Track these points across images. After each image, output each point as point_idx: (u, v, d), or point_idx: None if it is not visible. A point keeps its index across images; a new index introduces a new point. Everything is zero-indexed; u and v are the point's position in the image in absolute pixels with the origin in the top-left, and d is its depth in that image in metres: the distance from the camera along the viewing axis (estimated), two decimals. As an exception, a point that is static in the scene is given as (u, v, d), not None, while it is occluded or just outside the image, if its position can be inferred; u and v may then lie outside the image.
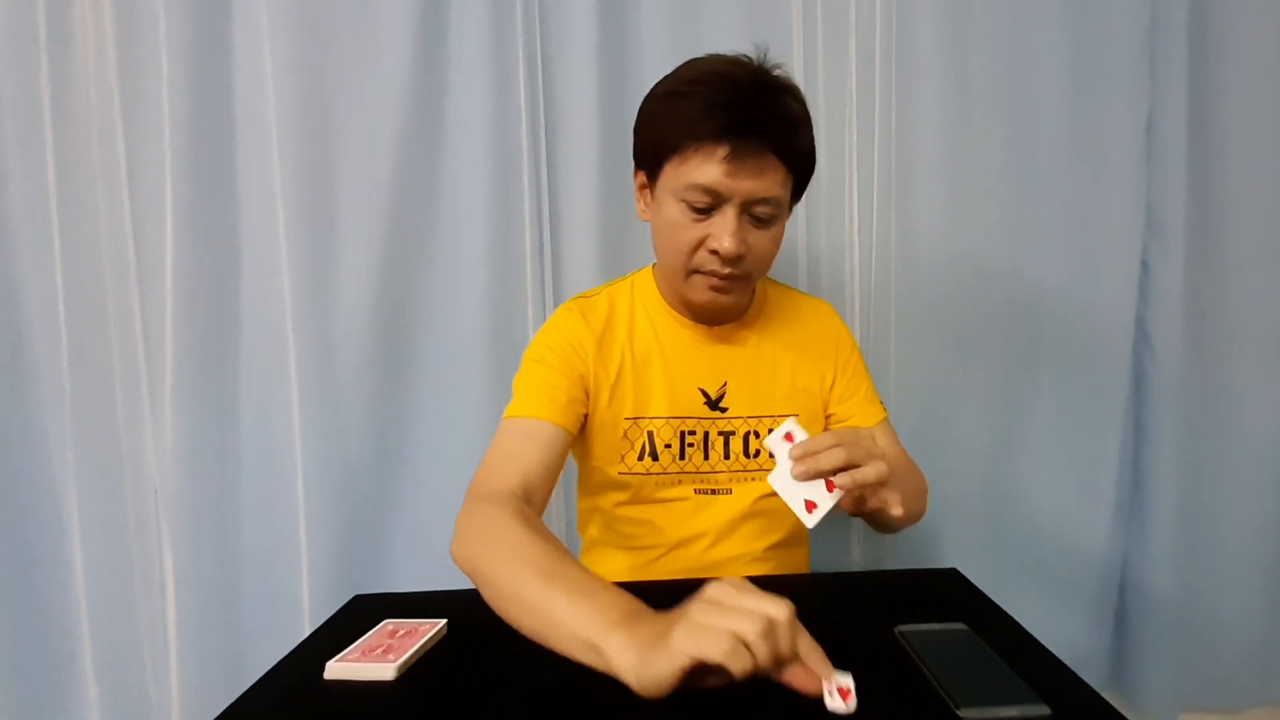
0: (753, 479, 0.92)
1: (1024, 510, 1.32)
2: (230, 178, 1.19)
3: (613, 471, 0.90)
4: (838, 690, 0.49)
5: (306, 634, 1.15)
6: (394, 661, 0.63)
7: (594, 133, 1.20)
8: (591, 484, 0.96)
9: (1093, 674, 1.36)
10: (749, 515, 0.92)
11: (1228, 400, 1.31)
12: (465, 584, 0.79)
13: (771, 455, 0.66)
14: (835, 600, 0.75)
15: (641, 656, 0.48)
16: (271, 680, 0.64)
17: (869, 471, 0.63)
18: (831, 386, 0.96)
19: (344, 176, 1.19)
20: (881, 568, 1.31)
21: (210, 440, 1.21)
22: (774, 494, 0.80)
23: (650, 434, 0.90)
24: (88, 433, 1.20)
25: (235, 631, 1.25)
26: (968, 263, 1.26)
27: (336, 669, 0.63)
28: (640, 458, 0.90)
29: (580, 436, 0.92)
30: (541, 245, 1.23)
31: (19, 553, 1.22)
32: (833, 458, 0.63)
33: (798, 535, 0.97)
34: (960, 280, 1.26)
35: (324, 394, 1.20)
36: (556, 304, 1.22)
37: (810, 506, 0.65)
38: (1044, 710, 0.51)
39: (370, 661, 0.63)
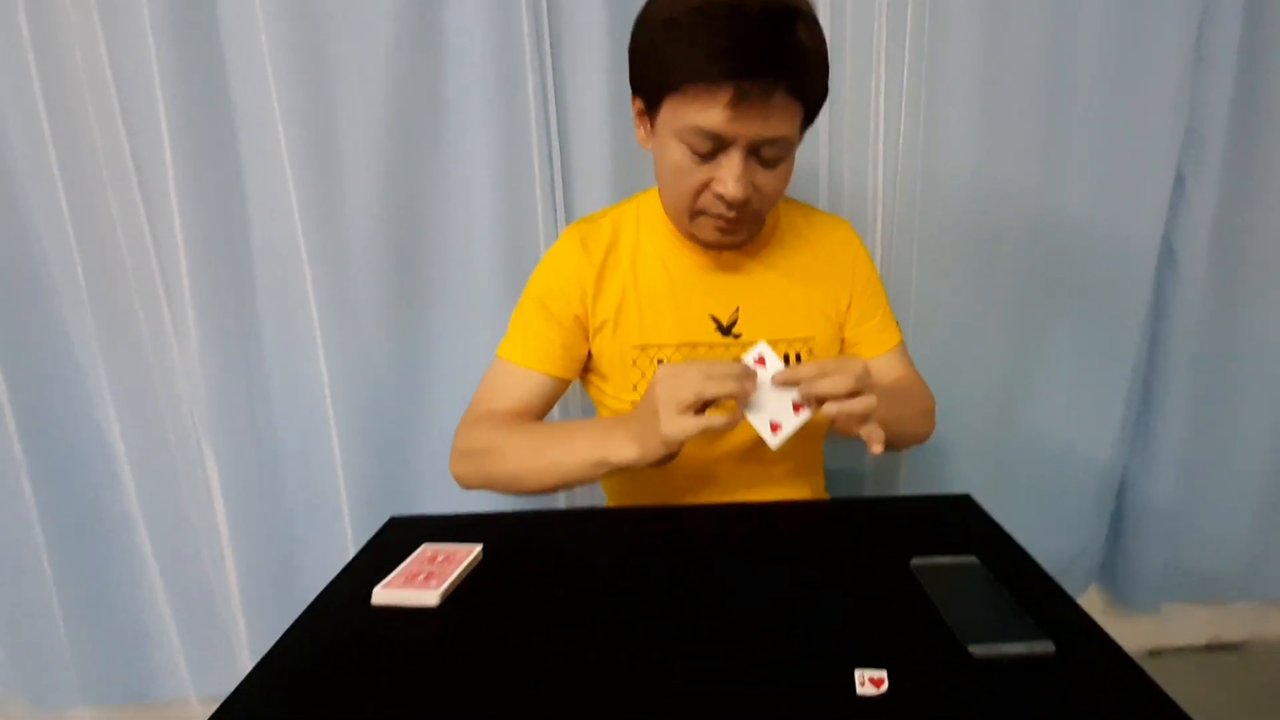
0: None
1: (1035, 427, 1.36)
2: (225, 101, 1.16)
3: (625, 398, 0.92)
4: (870, 680, 0.54)
5: (348, 530, 1.29)
6: (437, 589, 0.67)
7: (602, 44, 1.15)
8: (605, 410, 0.98)
9: (1083, 569, 1.46)
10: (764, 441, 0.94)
11: (1247, 325, 1.33)
12: (493, 507, 0.85)
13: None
14: (851, 530, 0.79)
15: (642, 450, 0.73)
16: (321, 606, 0.69)
17: (857, 405, 0.68)
18: (848, 309, 0.96)
19: (343, 98, 1.15)
20: (896, 488, 1.36)
21: (235, 360, 1.24)
22: None
23: (660, 361, 0.91)
24: (115, 352, 1.24)
25: (282, 528, 1.35)
26: (995, 182, 1.24)
27: (383, 595, 0.68)
28: None
29: (590, 372, 0.94)
30: (551, 161, 1.21)
31: (67, 464, 1.29)
32: (835, 385, 0.67)
33: (813, 461, 1.01)
34: (986, 199, 1.25)
35: (342, 313, 1.22)
36: (569, 217, 1.22)
37: (775, 428, 0.70)
38: (1049, 647, 0.56)
39: (414, 588, 0.68)
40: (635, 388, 0.91)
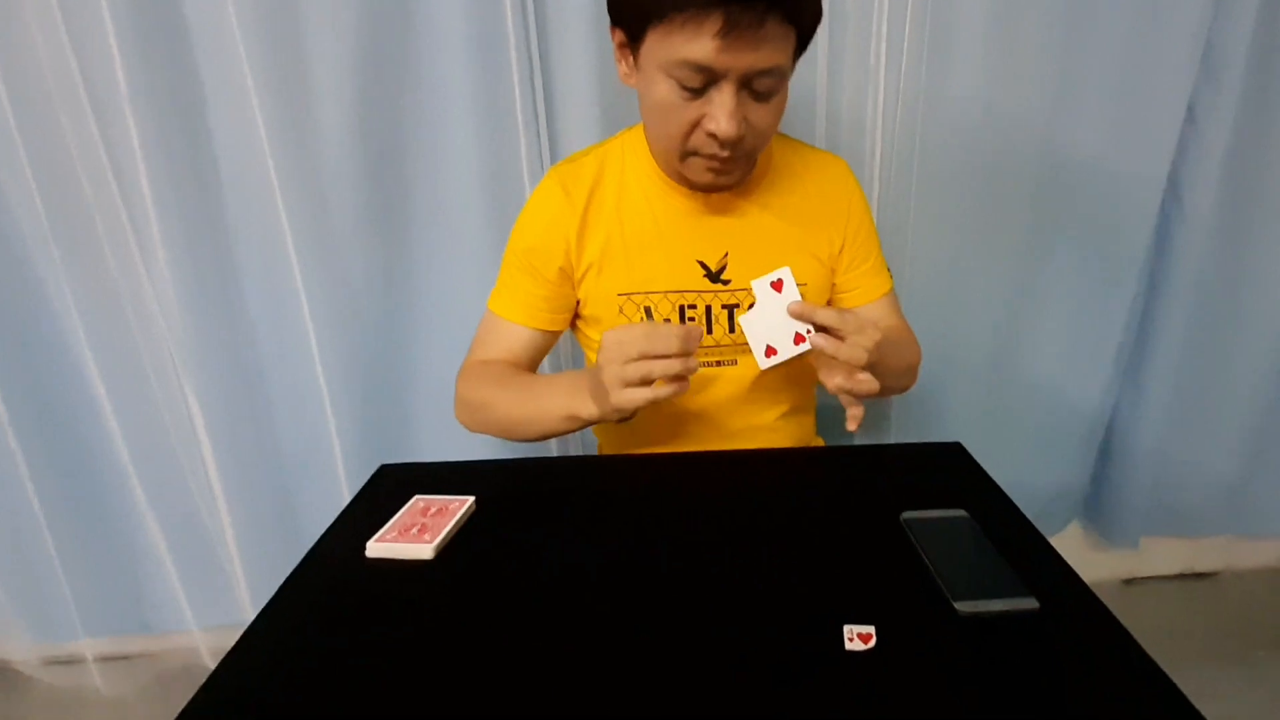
0: None
1: (1028, 367, 1.37)
2: (182, 25, 1.10)
3: None
4: (858, 635, 0.55)
5: (339, 463, 1.31)
6: (431, 541, 0.68)
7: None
8: (592, 358, 0.98)
9: (1067, 505, 1.50)
10: (756, 386, 0.94)
11: (1247, 270, 1.32)
12: (483, 454, 0.85)
13: (756, 295, 0.73)
14: (842, 480, 0.80)
15: (601, 411, 0.77)
16: (316, 559, 0.70)
17: (861, 387, 0.72)
18: (840, 252, 0.94)
19: (311, 20, 1.09)
20: (888, 430, 1.38)
21: (212, 298, 1.22)
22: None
23: (647, 309, 0.89)
24: (87, 292, 1.21)
25: (273, 463, 1.36)
26: (1002, 114, 1.20)
27: (377, 548, 0.69)
28: None
29: (577, 317, 0.94)
30: (533, 87, 1.16)
31: (49, 410, 1.29)
32: (853, 354, 0.70)
33: (805, 403, 1.01)
34: (991, 133, 1.21)
35: (321, 247, 1.20)
36: (553, 146, 1.18)
37: (770, 352, 0.72)
38: (1032, 604, 0.57)
39: (409, 541, 0.69)
40: None
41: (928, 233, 1.27)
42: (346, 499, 1.30)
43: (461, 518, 0.73)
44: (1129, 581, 1.64)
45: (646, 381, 0.71)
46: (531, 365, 0.95)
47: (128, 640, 1.52)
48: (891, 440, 1.39)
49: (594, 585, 0.63)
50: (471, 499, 0.76)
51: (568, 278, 0.90)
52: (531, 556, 0.68)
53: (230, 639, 0.59)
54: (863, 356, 0.70)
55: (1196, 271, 1.30)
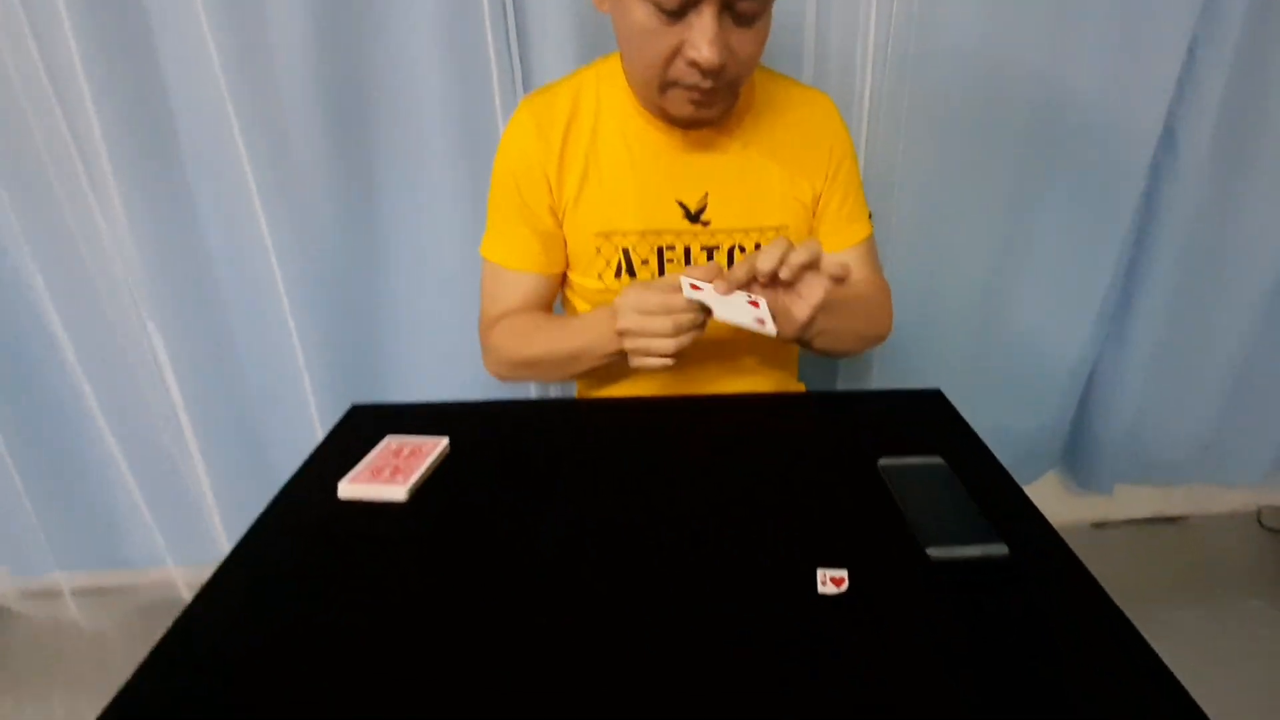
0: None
1: (1013, 317, 1.37)
2: None
3: (591, 286, 0.90)
4: (831, 579, 0.56)
5: (309, 397, 1.30)
6: (404, 484, 0.68)
7: None
8: (574, 301, 0.96)
9: (1045, 454, 1.53)
10: (735, 330, 0.93)
11: (1236, 225, 1.32)
12: (455, 393, 0.84)
13: (703, 306, 0.72)
14: (821, 425, 0.80)
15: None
16: (286, 500, 0.69)
17: (796, 257, 0.70)
18: (821, 193, 0.91)
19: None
20: (869, 375, 1.38)
21: (170, 230, 1.19)
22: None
23: (625, 250, 0.87)
24: (40, 230, 1.17)
25: (240, 399, 1.35)
26: (995, 56, 1.17)
27: (349, 489, 0.68)
28: (617, 275, 0.89)
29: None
30: (503, 5, 1.10)
31: (8, 352, 1.26)
32: (768, 260, 0.70)
33: (786, 347, 1.00)
34: (984, 76, 1.18)
35: (282, 178, 1.16)
36: (525, 69, 1.14)
37: (760, 321, 0.71)
38: (1003, 550, 0.58)
39: (382, 483, 0.68)
40: (600, 276, 0.89)
41: (915, 176, 1.24)
42: (318, 434, 1.31)
43: (435, 460, 0.72)
44: (1099, 525, 1.68)
45: (659, 354, 0.74)
46: (548, 308, 0.95)
47: (105, 575, 1.53)
48: (873, 386, 1.39)
49: (568, 531, 0.63)
50: (445, 440, 0.75)
51: (553, 213, 0.88)
52: (505, 501, 0.67)
53: (207, 575, 0.59)
54: (778, 250, 0.70)
55: (1186, 224, 1.29)
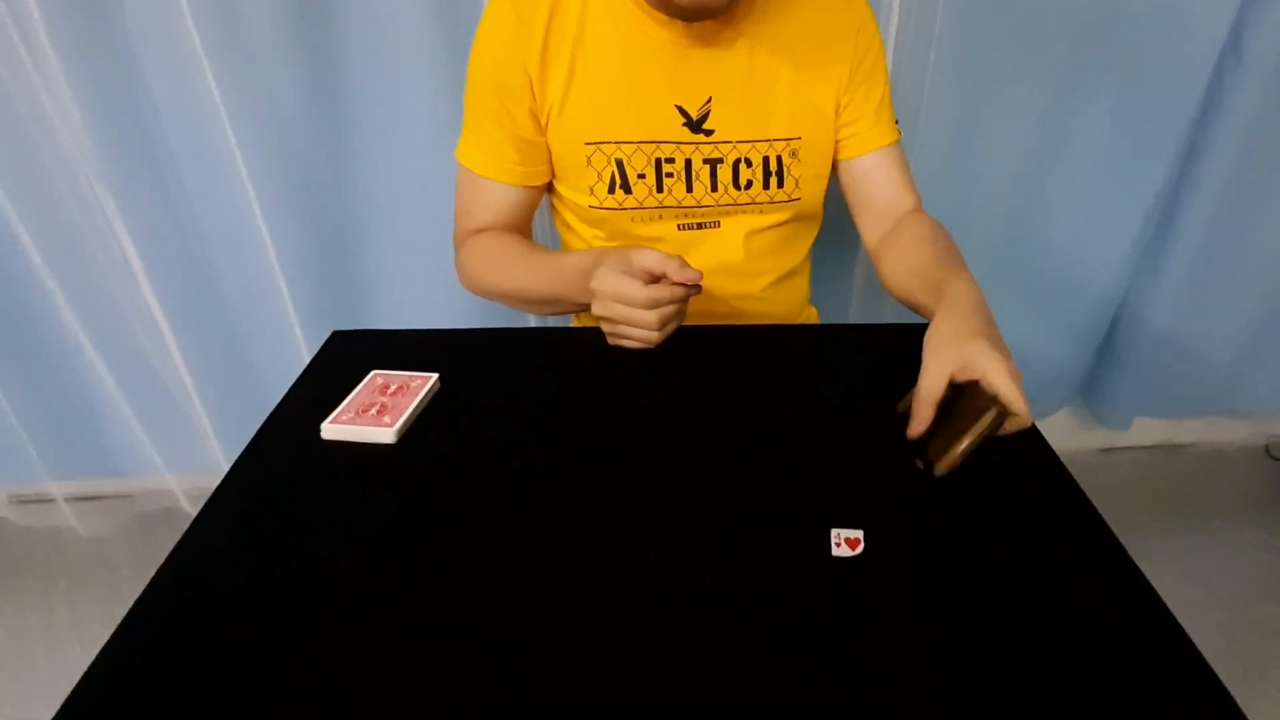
0: (744, 211, 0.84)
1: (1043, 242, 1.30)
2: None
3: (582, 202, 0.83)
4: (845, 540, 0.52)
5: (288, 301, 1.26)
6: (393, 425, 0.64)
7: None
8: (564, 215, 0.89)
9: (1064, 387, 1.50)
10: (741, 252, 0.87)
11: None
12: (441, 297, 0.80)
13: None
14: (836, 363, 0.75)
15: None
16: (267, 439, 0.66)
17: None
18: (840, 96, 0.82)
19: None
20: (884, 303, 1.32)
21: (126, 119, 1.11)
22: (766, 229, 0.85)
23: (619, 162, 0.79)
24: None
25: (218, 303, 1.31)
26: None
27: (333, 430, 0.64)
28: (611, 190, 0.81)
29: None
30: None
31: None
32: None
33: (797, 270, 0.94)
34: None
35: (238, 57, 1.06)
36: None
37: None
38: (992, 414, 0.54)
39: (368, 424, 0.64)
40: (592, 191, 0.81)
41: (946, 82, 1.14)
42: (299, 335, 1.29)
43: (425, 397, 0.68)
44: (1106, 450, 1.67)
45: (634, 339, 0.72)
46: (526, 223, 0.88)
47: (99, 484, 1.53)
48: (887, 311, 1.34)
49: (566, 477, 0.60)
50: (434, 376, 0.70)
51: (536, 120, 0.79)
52: (499, 443, 0.64)
53: (206, 484, 0.57)
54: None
55: (1241, 144, 1.19)
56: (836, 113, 0.83)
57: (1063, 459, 0.61)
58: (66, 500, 1.50)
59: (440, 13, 1.05)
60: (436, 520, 0.56)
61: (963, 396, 0.58)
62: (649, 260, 0.68)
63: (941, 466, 0.56)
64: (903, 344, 0.78)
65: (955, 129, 1.18)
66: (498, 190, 0.83)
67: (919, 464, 0.58)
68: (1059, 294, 1.35)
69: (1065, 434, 1.60)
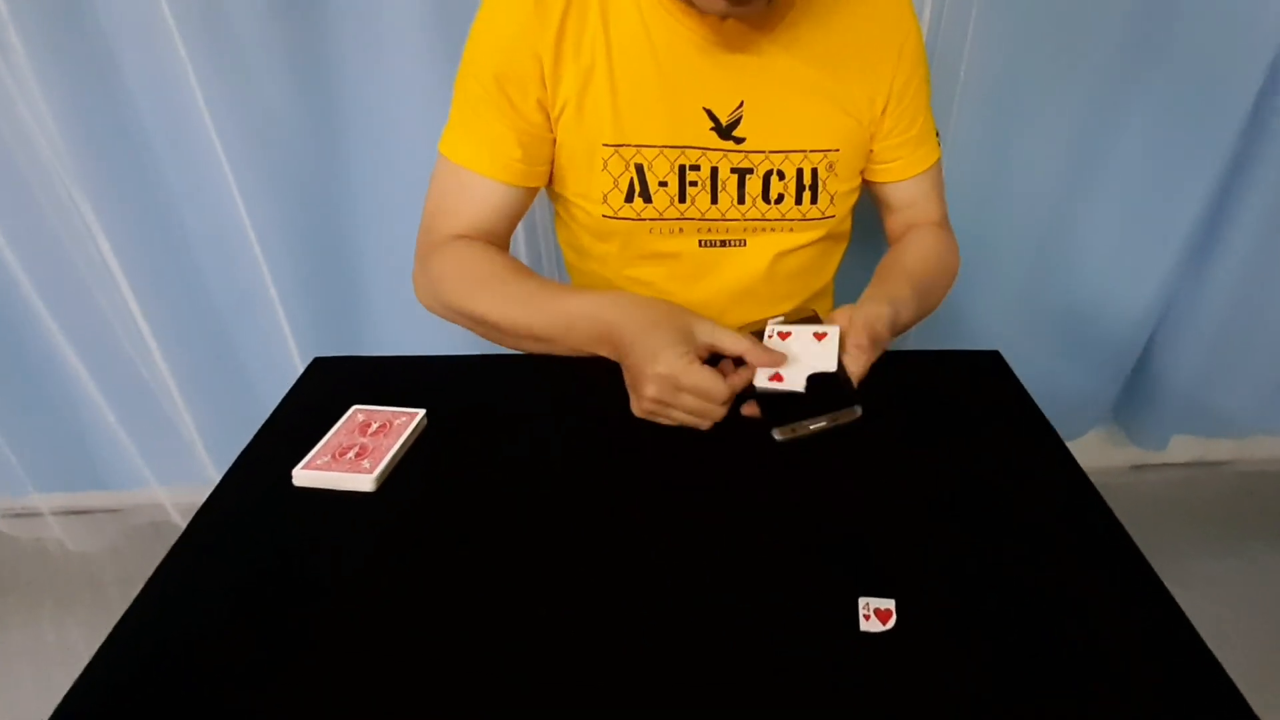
0: (773, 229, 0.78)
1: (1081, 248, 1.24)
2: None
3: (594, 210, 0.76)
4: (875, 612, 0.48)
5: (275, 300, 1.22)
6: (372, 472, 0.58)
7: None
8: (572, 227, 0.83)
9: (1097, 407, 1.45)
10: (766, 275, 0.81)
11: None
12: (444, 328, 0.74)
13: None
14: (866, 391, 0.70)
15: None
16: (236, 481, 0.60)
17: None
18: (882, 113, 0.77)
19: None
20: (905, 337, 1.27)
21: (102, 119, 1.06)
22: (797, 249, 0.79)
23: (639, 167, 0.73)
24: None
25: (206, 310, 1.26)
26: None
27: (306, 477, 0.59)
28: (629, 198, 0.74)
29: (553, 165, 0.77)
30: None
31: None
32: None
33: (821, 294, 0.89)
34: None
35: (221, 53, 1.01)
36: None
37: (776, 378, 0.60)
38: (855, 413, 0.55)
39: (344, 470, 0.59)
40: (606, 198, 0.75)
41: (982, 76, 1.07)
42: (291, 342, 1.24)
43: (410, 437, 0.63)
44: (1138, 468, 1.60)
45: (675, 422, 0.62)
46: (508, 233, 0.80)
47: (88, 497, 1.49)
48: (910, 337, 1.28)
49: (569, 530, 0.55)
50: (422, 413, 0.65)
51: (545, 113, 0.72)
52: (494, 490, 0.59)
53: (197, 496, 0.55)
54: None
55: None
56: (876, 131, 0.77)
57: (1092, 477, 0.59)
58: (54, 514, 1.47)
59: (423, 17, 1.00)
60: (419, 583, 0.51)
61: (834, 383, 0.58)
62: (725, 342, 0.61)
63: (782, 433, 0.56)
64: (937, 368, 0.75)
65: (986, 143, 1.12)
66: (490, 189, 0.74)
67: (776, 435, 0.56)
68: (1093, 312, 1.29)
69: (1096, 451, 1.54)
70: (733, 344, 0.60)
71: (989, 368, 0.75)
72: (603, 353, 0.66)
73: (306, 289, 1.22)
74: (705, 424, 0.60)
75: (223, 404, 1.35)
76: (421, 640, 0.47)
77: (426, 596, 0.49)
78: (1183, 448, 1.56)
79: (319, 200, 1.16)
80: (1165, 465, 1.60)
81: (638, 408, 0.62)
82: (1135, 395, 1.46)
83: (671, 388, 0.58)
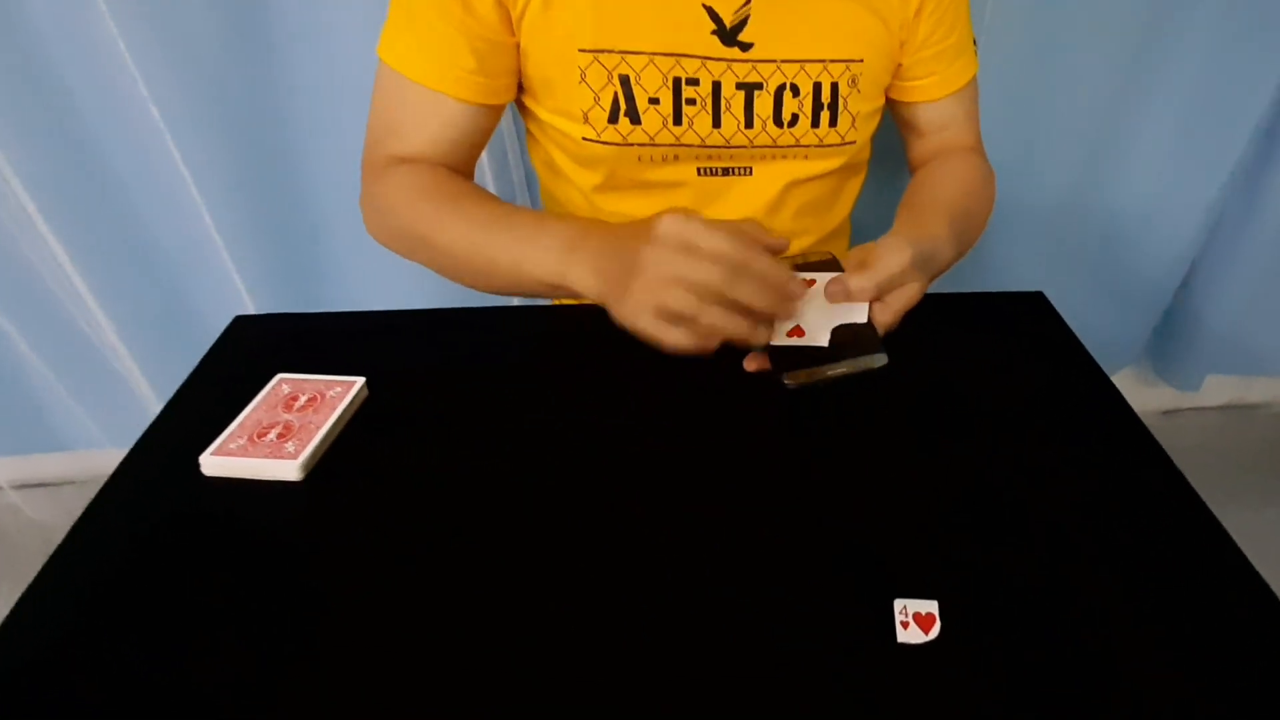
0: (784, 156, 0.67)
1: (1121, 176, 1.14)
2: None
3: (573, 132, 0.64)
4: (914, 617, 0.40)
5: (219, 244, 1.10)
6: (297, 456, 0.49)
7: None
8: (548, 154, 0.71)
9: (1129, 344, 1.40)
10: (776, 208, 0.70)
11: None
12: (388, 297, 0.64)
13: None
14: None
15: (610, 302, 0.48)
16: (135, 470, 0.51)
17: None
18: (916, 16, 0.64)
19: None
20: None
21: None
22: (811, 179, 0.70)
23: (624, 79, 0.61)
24: None
25: (143, 256, 1.16)
26: None
27: (217, 464, 0.49)
28: (613, 118, 0.62)
29: (520, 77, 0.65)
30: None
31: None
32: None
33: (839, 231, 0.78)
34: None
35: None
36: None
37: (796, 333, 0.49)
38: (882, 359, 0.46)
39: (264, 455, 0.49)
40: (587, 117, 0.63)
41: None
42: (238, 282, 1.14)
43: (344, 412, 0.53)
44: (1170, 412, 1.52)
45: (686, 321, 0.44)
46: (469, 157, 0.67)
47: (41, 461, 1.42)
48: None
49: (543, 524, 0.46)
50: (361, 381, 0.55)
51: (504, 11, 0.59)
52: (451, 477, 0.49)
53: None
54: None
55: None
56: (908, 39, 0.66)
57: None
58: (11, 487, 1.40)
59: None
60: (352, 582, 0.43)
61: (859, 337, 0.48)
62: (747, 227, 0.47)
63: (794, 379, 0.46)
64: (978, 312, 0.66)
65: (1023, 63, 1.00)
66: (441, 106, 0.62)
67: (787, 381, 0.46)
68: (1131, 242, 1.20)
69: (1126, 393, 1.45)
70: (749, 228, 0.47)
71: (1032, 310, 0.68)
72: (574, 275, 0.51)
73: (253, 223, 1.10)
74: (724, 320, 0.44)
75: (175, 353, 1.25)
76: (343, 662, 0.38)
77: (362, 607, 0.41)
78: (1218, 388, 1.48)
79: (254, 118, 1.02)
80: (1199, 409, 1.53)
81: (635, 308, 0.45)
82: (1170, 332, 1.39)
83: (684, 252, 0.43)
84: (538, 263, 0.53)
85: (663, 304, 0.43)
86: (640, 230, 0.46)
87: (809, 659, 0.39)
